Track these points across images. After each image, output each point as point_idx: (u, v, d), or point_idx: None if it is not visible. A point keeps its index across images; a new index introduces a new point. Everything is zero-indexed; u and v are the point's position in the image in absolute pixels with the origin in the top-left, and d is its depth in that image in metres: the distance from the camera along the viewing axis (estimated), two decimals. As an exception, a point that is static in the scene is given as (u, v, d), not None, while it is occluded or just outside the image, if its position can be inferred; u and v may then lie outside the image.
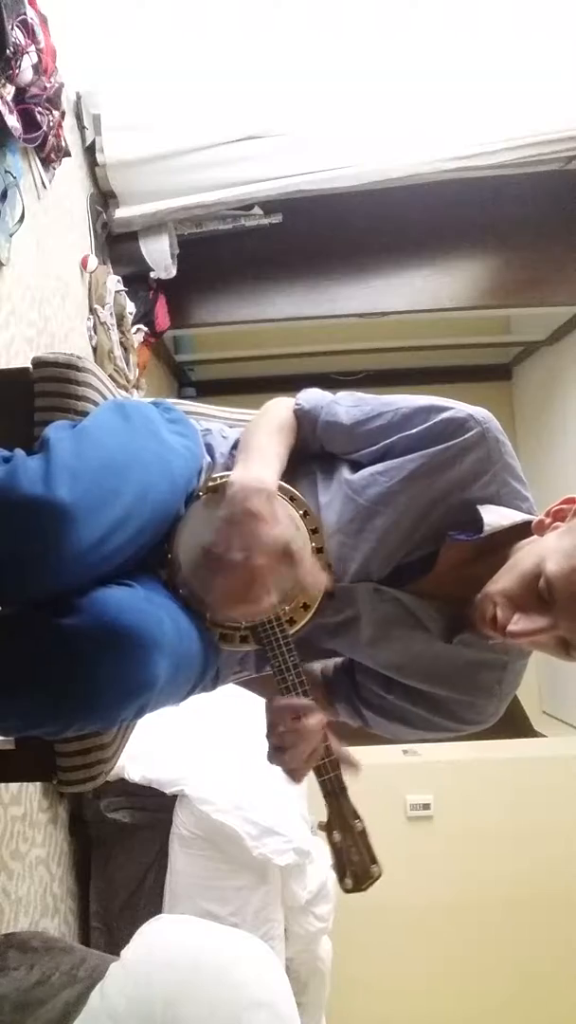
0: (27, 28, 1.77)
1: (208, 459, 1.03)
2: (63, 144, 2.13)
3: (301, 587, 0.89)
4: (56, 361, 0.94)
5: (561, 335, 3.76)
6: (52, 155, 2.07)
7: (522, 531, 0.91)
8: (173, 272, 2.84)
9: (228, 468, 0.99)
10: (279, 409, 1.04)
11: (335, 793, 0.86)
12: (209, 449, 1.04)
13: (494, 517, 0.91)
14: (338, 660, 1.11)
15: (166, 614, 0.85)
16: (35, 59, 1.82)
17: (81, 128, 2.51)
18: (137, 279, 2.81)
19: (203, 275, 3.06)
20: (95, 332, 2.45)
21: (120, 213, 2.64)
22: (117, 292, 2.58)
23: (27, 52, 1.77)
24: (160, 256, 2.75)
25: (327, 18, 2.50)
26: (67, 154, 2.19)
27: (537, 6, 2.51)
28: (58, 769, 0.95)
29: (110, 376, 2.38)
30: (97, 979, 1.18)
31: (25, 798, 1.76)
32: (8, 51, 1.68)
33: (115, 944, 1.88)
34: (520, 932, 2.95)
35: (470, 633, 0.93)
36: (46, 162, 2.08)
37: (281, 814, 2.00)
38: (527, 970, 2.93)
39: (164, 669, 0.80)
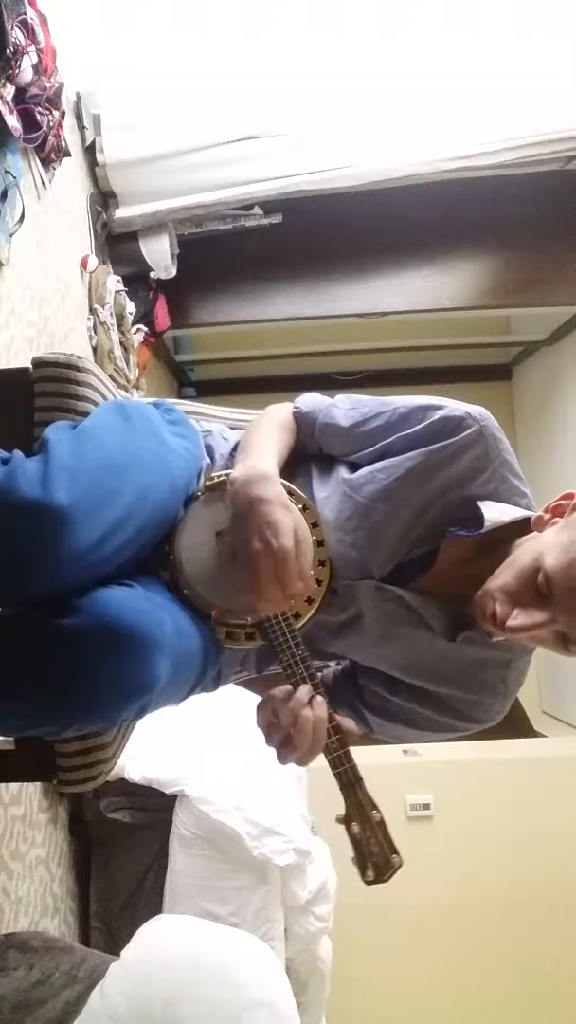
0: (27, 28, 1.77)
1: (208, 460, 1.03)
2: (63, 144, 2.13)
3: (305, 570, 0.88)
4: (56, 361, 0.94)
5: (561, 335, 3.76)
6: (52, 155, 2.07)
7: (522, 527, 0.92)
8: (173, 272, 2.84)
9: (228, 469, 0.99)
10: (278, 412, 1.04)
11: (351, 784, 0.85)
12: (209, 450, 1.04)
13: (494, 513, 0.91)
14: (338, 668, 1.11)
15: (167, 614, 0.85)
16: (35, 59, 1.82)
17: (81, 128, 2.51)
18: (137, 279, 2.81)
19: (203, 275, 3.06)
20: (95, 332, 2.45)
21: (120, 213, 2.64)
22: (117, 292, 2.58)
23: (27, 52, 1.77)
24: (160, 256, 2.75)
25: (327, 18, 2.50)
26: (67, 154, 2.19)
27: (537, 6, 2.51)
28: (58, 769, 0.95)
29: (110, 376, 2.38)
30: (97, 979, 1.18)
31: (25, 798, 1.76)
32: (8, 51, 1.68)
33: (115, 944, 1.88)
34: (520, 932, 2.95)
35: (473, 631, 0.93)
36: (46, 162, 2.08)
37: (281, 814, 2.00)
38: (527, 970, 2.93)
39: (165, 669, 0.80)
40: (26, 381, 0.94)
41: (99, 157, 2.52)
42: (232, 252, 3.03)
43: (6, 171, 1.76)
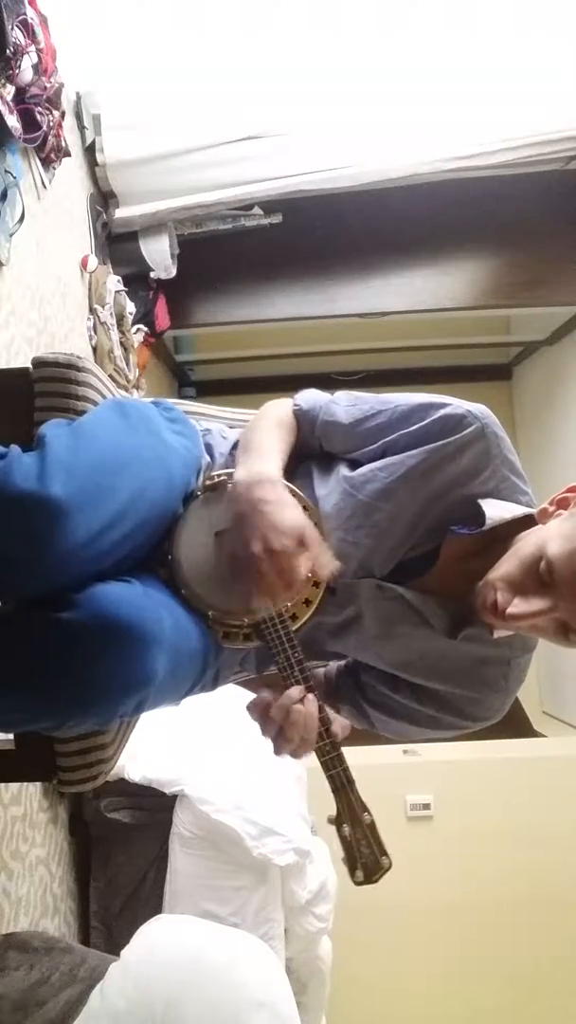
0: (27, 28, 1.78)
1: (207, 459, 1.03)
2: (63, 144, 2.13)
3: (317, 568, 0.86)
4: (56, 361, 0.94)
5: (561, 335, 3.76)
6: (52, 155, 2.07)
7: (523, 525, 0.92)
8: (173, 272, 2.84)
9: (228, 468, 0.99)
10: (278, 409, 1.04)
11: (343, 787, 0.86)
12: (209, 449, 1.04)
13: (496, 511, 0.91)
14: (340, 663, 1.11)
15: (166, 611, 0.86)
16: (35, 59, 1.82)
17: (81, 128, 2.52)
18: (137, 279, 2.81)
19: (203, 275, 3.06)
20: (95, 332, 2.45)
21: (120, 213, 2.64)
22: (117, 292, 2.58)
23: (27, 52, 1.77)
24: (160, 256, 2.75)
25: (327, 18, 2.50)
26: (67, 154, 2.19)
27: (537, 6, 2.51)
28: (58, 769, 0.95)
29: (110, 376, 2.38)
30: (97, 979, 1.18)
31: (25, 798, 1.75)
32: (8, 51, 1.68)
33: (115, 944, 1.88)
34: (520, 932, 2.95)
35: (474, 628, 0.93)
36: (46, 162, 2.08)
37: (281, 814, 2.00)
38: (527, 970, 2.93)
39: (162, 664, 0.80)
40: (26, 381, 0.94)
41: (99, 157, 2.52)
42: (232, 252, 3.03)
43: (6, 171, 1.76)
